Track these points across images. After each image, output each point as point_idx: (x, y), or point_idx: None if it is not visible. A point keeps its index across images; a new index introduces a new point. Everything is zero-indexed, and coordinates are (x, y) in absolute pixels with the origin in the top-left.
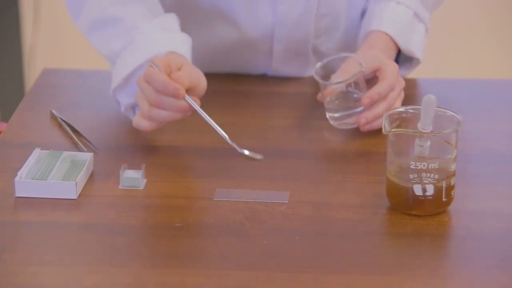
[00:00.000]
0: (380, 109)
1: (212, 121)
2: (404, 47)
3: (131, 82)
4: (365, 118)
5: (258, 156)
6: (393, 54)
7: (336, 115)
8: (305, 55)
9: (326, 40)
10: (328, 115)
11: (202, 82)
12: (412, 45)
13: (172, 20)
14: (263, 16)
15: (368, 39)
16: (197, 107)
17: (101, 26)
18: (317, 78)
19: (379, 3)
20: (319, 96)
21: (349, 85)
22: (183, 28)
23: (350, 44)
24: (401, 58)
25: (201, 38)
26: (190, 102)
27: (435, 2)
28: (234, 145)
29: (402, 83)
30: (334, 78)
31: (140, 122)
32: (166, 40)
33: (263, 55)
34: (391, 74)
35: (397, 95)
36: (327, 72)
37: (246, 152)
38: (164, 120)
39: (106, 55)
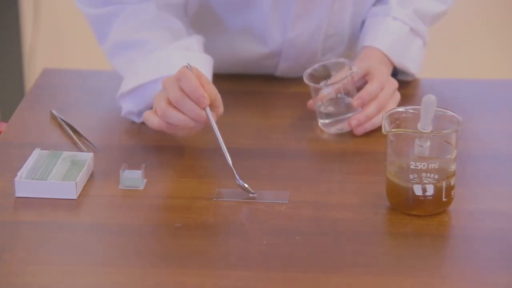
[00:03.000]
0: (372, 109)
1: (222, 140)
2: (398, 63)
3: (139, 92)
4: (356, 120)
5: (252, 192)
6: (389, 70)
7: (327, 121)
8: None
9: (331, 55)
10: (319, 121)
11: (221, 106)
12: (407, 61)
13: (193, 41)
14: (272, 40)
15: (362, 54)
16: (213, 121)
17: (124, 48)
18: (307, 81)
19: (376, 17)
20: (310, 103)
21: (339, 91)
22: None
23: (353, 57)
24: (398, 71)
25: (212, 44)
26: (208, 114)
27: (435, 17)
28: (234, 172)
29: (394, 84)
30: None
31: (151, 117)
32: (185, 59)
33: (267, 68)
34: (381, 74)
35: (388, 96)
36: (326, 74)
37: (244, 184)
38: (176, 122)
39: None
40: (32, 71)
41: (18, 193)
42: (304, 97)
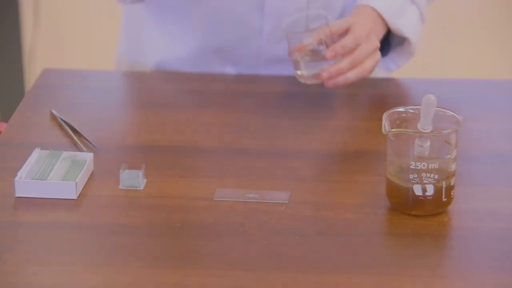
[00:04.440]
0: (344, 63)
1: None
2: (392, 24)
3: None
4: (327, 72)
5: None
6: (381, 31)
7: (304, 72)
8: None
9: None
10: (296, 72)
11: None
12: (402, 25)
13: None
14: None
15: (353, 11)
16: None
17: None
18: (284, 29)
19: None
20: (290, 51)
21: (320, 42)
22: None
23: None
24: (393, 44)
25: (197, 10)
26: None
27: None
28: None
29: (374, 43)
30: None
31: None
32: None
33: (254, 33)
34: (360, 30)
35: (365, 53)
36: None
37: None
38: None
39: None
40: (32, 71)
41: (18, 193)
42: (304, 96)
